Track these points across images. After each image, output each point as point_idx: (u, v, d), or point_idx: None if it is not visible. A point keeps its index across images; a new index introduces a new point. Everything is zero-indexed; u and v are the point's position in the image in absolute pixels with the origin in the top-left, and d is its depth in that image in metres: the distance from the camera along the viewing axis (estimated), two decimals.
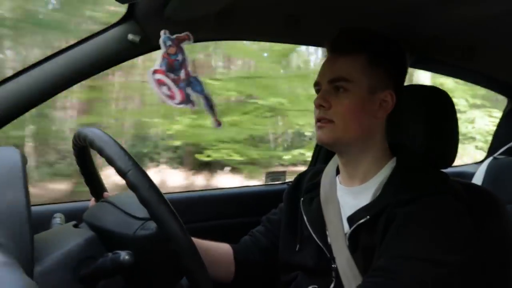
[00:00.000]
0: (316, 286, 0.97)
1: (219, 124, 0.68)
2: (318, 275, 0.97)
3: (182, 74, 0.67)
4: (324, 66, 1.01)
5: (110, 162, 0.70)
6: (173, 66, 0.66)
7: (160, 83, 0.66)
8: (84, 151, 0.89)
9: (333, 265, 0.95)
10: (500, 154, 1.96)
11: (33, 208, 0.60)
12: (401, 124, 1.03)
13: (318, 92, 1.01)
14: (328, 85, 0.97)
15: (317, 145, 1.80)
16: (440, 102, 1.06)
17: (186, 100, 0.66)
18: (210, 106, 0.67)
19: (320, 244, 0.98)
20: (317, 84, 1.01)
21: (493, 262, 0.97)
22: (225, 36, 1.24)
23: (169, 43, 0.66)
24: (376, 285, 0.79)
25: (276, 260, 1.09)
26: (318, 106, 0.97)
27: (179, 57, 0.66)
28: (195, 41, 1.25)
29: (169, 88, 0.66)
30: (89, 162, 0.94)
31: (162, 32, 0.66)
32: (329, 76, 0.98)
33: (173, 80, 0.66)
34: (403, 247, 0.82)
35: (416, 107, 1.06)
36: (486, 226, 0.94)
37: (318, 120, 0.98)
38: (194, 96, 0.67)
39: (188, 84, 0.66)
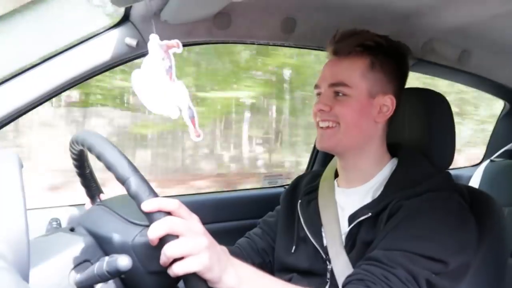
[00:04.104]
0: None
1: (198, 135, 0.66)
2: (313, 277, 0.96)
3: (167, 81, 0.65)
4: (325, 69, 1.00)
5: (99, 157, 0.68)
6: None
7: (143, 87, 0.64)
8: (81, 153, 0.88)
9: (328, 267, 0.95)
10: (497, 157, 1.97)
11: (29, 211, 0.60)
12: (398, 126, 1.03)
13: (317, 95, 1.01)
14: (328, 89, 0.97)
15: (314, 149, 1.81)
16: (437, 104, 1.07)
17: (167, 107, 0.65)
18: (192, 117, 0.65)
19: (316, 246, 0.98)
20: (317, 87, 1.01)
21: (488, 263, 0.97)
22: (222, 39, 1.24)
23: (158, 48, 0.65)
24: (370, 273, 0.78)
25: (272, 262, 1.09)
26: (319, 111, 0.97)
27: (166, 64, 0.65)
28: (192, 44, 1.27)
29: (152, 94, 0.64)
30: (86, 164, 0.94)
31: (151, 36, 0.65)
32: (329, 80, 0.97)
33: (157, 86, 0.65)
34: (404, 240, 0.81)
35: (413, 109, 1.06)
36: (483, 229, 0.94)
37: (319, 123, 0.98)
38: (175, 104, 0.65)
39: (171, 92, 0.65)
